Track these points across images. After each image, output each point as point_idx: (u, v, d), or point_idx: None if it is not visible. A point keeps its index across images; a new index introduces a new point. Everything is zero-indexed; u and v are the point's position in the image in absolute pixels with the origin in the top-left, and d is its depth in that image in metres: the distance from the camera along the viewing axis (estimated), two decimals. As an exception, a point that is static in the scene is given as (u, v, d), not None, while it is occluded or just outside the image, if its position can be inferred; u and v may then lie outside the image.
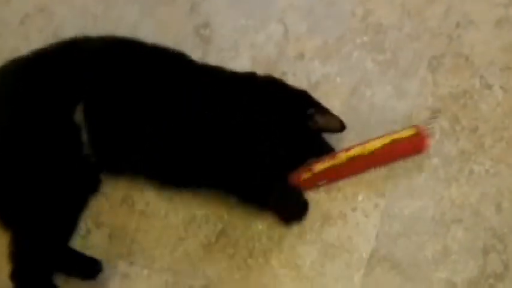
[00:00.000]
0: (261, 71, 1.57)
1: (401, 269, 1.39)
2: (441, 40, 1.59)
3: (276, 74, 1.55)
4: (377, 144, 1.45)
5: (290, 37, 1.63)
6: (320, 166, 1.46)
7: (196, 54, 1.59)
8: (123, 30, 1.64)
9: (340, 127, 1.45)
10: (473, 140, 1.49)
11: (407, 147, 1.47)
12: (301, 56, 1.60)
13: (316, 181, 1.47)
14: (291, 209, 1.45)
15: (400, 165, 1.48)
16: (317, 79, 1.58)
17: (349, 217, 1.44)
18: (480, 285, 1.37)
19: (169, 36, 1.65)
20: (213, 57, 1.61)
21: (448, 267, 1.39)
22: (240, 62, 1.61)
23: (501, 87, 1.53)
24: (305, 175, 1.46)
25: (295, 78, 1.57)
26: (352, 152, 1.45)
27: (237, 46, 1.63)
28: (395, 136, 1.46)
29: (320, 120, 1.44)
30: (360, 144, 1.46)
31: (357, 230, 1.43)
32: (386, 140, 1.45)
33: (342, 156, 1.45)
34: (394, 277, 1.39)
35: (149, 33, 1.66)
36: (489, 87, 1.53)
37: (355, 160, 1.45)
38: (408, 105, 1.53)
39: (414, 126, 1.48)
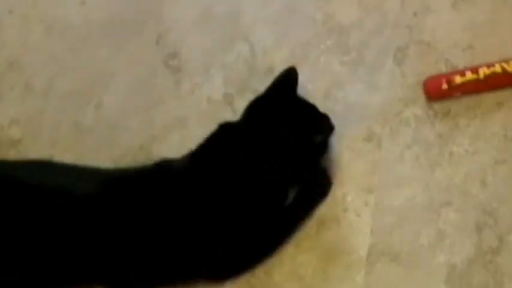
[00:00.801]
0: (234, 90, 1.62)
1: (400, 260, 1.43)
2: (402, 31, 1.63)
3: (249, 91, 1.60)
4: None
5: (258, 52, 1.66)
6: (460, 78, 1.52)
7: (168, 85, 1.63)
8: (94, 71, 1.68)
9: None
10: (448, 122, 1.53)
11: None
12: (271, 69, 1.64)
13: (452, 93, 1.53)
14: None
15: (382, 158, 1.52)
16: (290, 88, 1.61)
17: (341, 219, 1.47)
18: (479, 262, 1.41)
19: (140, 71, 1.68)
20: (186, 85, 1.65)
21: (445, 251, 1.43)
22: (212, 85, 1.64)
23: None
24: (444, 85, 1.52)
25: (269, 92, 1.61)
26: (492, 70, 1.52)
27: (207, 70, 1.66)
28: None
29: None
30: (502, 61, 1.53)
31: (351, 230, 1.47)
32: None
33: (482, 72, 1.52)
34: (396, 269, 1.43)
35: (120, 70, 1.68)
36: (455, 68, 1.57)
37: (495, 77, 1.52)
38: (381, 99, 1.57)
39: None
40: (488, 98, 1.54)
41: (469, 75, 1.54)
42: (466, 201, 1.46)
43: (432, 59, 1.60)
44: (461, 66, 1.57)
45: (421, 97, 1.56)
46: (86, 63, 1.71)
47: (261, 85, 1.60)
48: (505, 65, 1.53)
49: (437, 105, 1.55)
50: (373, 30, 1.64)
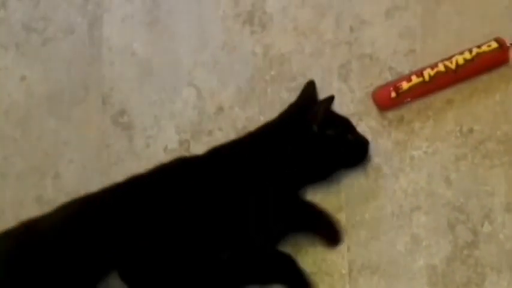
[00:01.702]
0: (188, 136, 1.62)
1: (381, 272, 1.43)
2: (342, 48, 1.65)
3: (203, 134, 1.61)
4: (460, 60, 1.53)
5: (205, 95, 1.67)
6: (407, 84, 1.54)
7: (122, 143, 1.63)
8: (46, 144, 1.68)
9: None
10: (404, 128, 1.55)
11: (491, 61, 1.55)
12: (220, 109, 1.64)
13: (402, 100, 1.54)
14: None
15: (345, 175, 1.52)
16: (243, 125, 1.62)
17: (317, 242, 1.47)
18: (458, 259, 1.42)
19: (91, 135, 1.67)
20: (140, 139, 1.65)
21: (423, 254, 1.43)
22: (166, 135, 1.64)
23: (410, 71, 1.58)
24: (393, 94, 1.53)
25: (223, 132, 1.61)
26: (436, 70, 1.54)
27: (158, 121, 1.66)
28: (478, 50, 1.54)
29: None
30: (444, 60, 1.54)
31: (328, 251, 1.46)
32: (469, 55, 1.53)
33: (427, 74, 1.54)
34: (379, 281, 1.43)
35: (71, 138, 1.68)
36: (400, 75, 1.59)
37: (440, 77, 1.54)
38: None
39: (496, 39, 1.54)
40: (438, 98, 1.56)
41: (415, 79, 1.55)
42: (435, 202, 1.47)
43: (376, 69, 1.61)
44: (406, 72, 1.59)
45: (373, 109, 1.57)
46: (36, 137, 1.70)
47: (214, 126, 1.62)
48: (447, 63, 1.55)
49: (390, 114, 1.56)
50: (313, 53, 1.66)
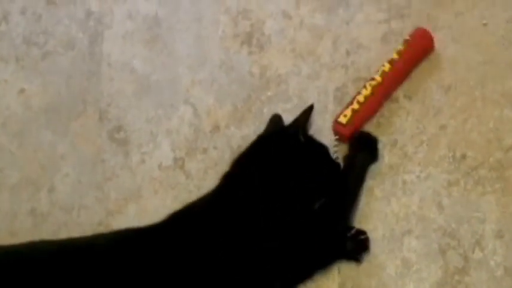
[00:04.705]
0: (183, 153, 1.64)
1: (371, 295, 1.44)
2: (338, 71, 1.66)
3: (198, 152, 1.62)
4: (386, 68, 1.58)
5: (201, 113, 1.69)
6: (343, 117, 1.55)
7: (117, 159, 1.64)
8: (42, 157, 1.69)
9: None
10: (397, 152, 1.55)
11: (417, 53, 1.60)
12: (216, 127, 1.66)
13: (361, 123, 1.56)
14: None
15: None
16: (238, 143, 1.63)
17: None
18: (448, 285, 1.42)
19: (87, 150, 1.69)
20: (135, 155, 1.66)
21: (413, 278, 1.44)
22: (161, 152, 1.66)
23: (405, 96, 1.59)
24: (342, 119, 1.55)
25: (217, 151, 1.63)
26: (370, 89, 1.56)
27: (154, 137, 1.68)
28: (400, 48, 1.59)
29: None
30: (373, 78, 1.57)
31: (319, 273, 1.47)
32: (395, 56, 1.58)
33: (361, 98, 1.56)
34: (368, 304, 1.44)
35: (67, 152, 1.70)
36: (396, 100, 1.60)
37: (378, 91, 1.56)
38: (329, 140, 1.59)
39: (416, 29, 1.60)
40: (432, 123, 1.56)
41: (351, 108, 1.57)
42: (426, 226, 1.48)
43: (371, 93, 1.63)
44: (400, 97, 1.60)
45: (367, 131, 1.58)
46: (33, 150, 1.72)
47: (209, 144, 1.63)
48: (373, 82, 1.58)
49: (384, 138, 1.57)
50: (310, 75, 1.67)
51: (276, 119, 1.59)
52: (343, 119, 1.55)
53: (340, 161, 1.54)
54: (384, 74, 1.57)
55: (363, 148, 1.55)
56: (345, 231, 1.47)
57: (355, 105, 1.56)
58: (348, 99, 1.61)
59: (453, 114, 1.56)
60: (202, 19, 1.77)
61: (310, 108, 1.54)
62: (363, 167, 1.54)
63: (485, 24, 1.60)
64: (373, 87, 1.56)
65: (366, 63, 1.65)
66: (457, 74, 1.58)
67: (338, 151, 1.55)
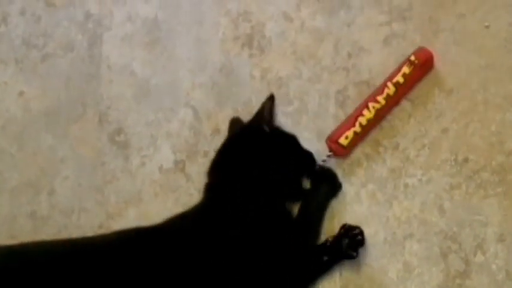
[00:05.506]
0: (184, 156, 1.63)
1: (373, 299, 1.44)
2: (339, 74, 1.65)
3: (199, 155, 1.62)
4: (390, 91, 1.55)
5: (201, 116, 1.68)
6: (345, 139, 1.54)
7: (117, 162, 1.64)
8: (42, 160, 1.68)
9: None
10: (399, 156, 1.55)
11: (421, 77, 1.58)
12: (217, 130, 1.65)
13: (358, 143, 1.55)
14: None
15: (339, 201, 1.53)
16: (239, 146, 1.62)
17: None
18: (450, 288, 1.43)
19: (88, 153, 1.68)
20: (135, 158, 1.66)
21: (415, 282, 1.44)
22: (161, 155, 1.65)
23: (407, 99, 1.59)
24: (343, 141, 1.54)
25: (218, 154, 1.62)
26: (374, 112, 1.55)
27: (154, 141, 1.67)
28: (406, 71, 1.57)
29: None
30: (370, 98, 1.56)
31: (320, 276, 1.47)
32: (400, 79, 1.56)
33: (364, 121, 1.54)
34: (369, 308, 1.43)
35: (67, 155, 1.69)
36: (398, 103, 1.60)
37: (380, 113, 1.55)
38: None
39: (422, 51, 1.58)
40: (433, 127, 1.56)
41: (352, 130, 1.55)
42: (427, 230, 1.47)
43: (373, 96, 1.62)
44: (403, 100, 1.59)
45: (369, 136, 1.57)
46: (32, 152, 1.71)
47: (210, 147, 1.62)
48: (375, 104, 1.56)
49: (386, 141, 1.56)
50: (311, 78, 1.66)
51: (234, 121, 1.60)
52: (344, 141, 1.54)
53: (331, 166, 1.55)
54: (388, 97, 1.56)
55: (325, 181, 1.55)
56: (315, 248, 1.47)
57: (357, 128, 1.54)
58: (349, 102, 1.61)
59: (455, 118, 1.55)
60: (202, 22, 1.76)
61: (270, 99, 1.57)
62: (326, 198, 1.54)
63: (487, 27, 1.59)
64: (377, 111, 1.55)
65: (368, 66, 1.65)
66: (459, 77, 1.58)
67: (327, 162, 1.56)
